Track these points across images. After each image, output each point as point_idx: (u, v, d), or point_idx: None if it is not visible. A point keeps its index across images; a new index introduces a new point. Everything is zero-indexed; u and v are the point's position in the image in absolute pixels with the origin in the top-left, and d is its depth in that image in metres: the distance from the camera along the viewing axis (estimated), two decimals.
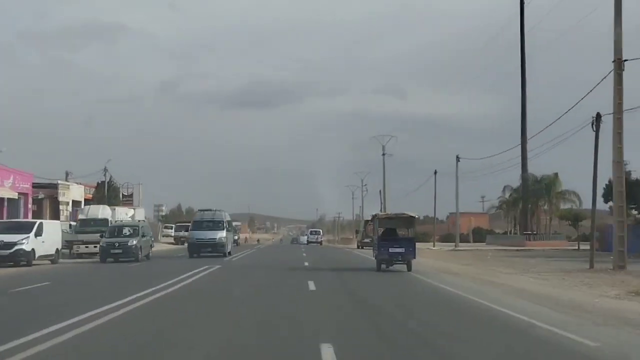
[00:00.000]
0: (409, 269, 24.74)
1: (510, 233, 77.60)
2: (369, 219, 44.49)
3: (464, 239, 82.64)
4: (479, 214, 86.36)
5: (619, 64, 25.00)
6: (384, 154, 79.31)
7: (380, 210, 71.53)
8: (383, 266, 24.99)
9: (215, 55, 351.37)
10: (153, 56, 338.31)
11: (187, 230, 68.83)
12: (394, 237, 25.86)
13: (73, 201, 54.36)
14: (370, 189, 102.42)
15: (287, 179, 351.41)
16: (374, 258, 26.21)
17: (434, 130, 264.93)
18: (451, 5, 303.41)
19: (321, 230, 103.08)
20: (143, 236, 35.33)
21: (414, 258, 25.08)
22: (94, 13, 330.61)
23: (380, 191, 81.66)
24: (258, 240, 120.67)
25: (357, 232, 66.85)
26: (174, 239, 69.76)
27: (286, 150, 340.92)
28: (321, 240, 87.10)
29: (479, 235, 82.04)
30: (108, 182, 59.90)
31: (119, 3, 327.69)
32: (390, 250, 24.63)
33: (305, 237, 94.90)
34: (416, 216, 27.30)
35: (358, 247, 58.28)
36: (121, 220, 42.15)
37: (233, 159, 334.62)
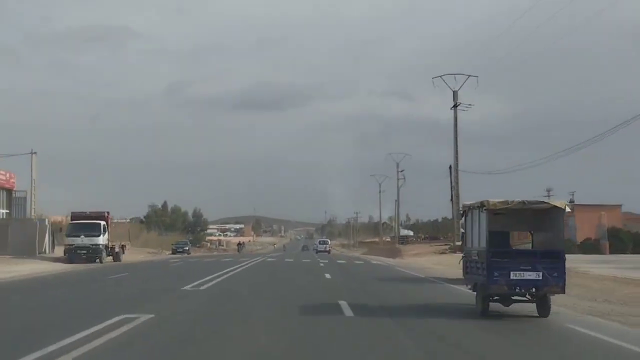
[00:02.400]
0: (545, 312, 13.51)
1: None
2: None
3: (588, 248, 48.67)
4: (606, 207, 51.94)
5: None
6: (455, 105, 45.63)
7: (452, 199, 39.73)
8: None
9: (222, 58, 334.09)
10: (159, 59, 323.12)
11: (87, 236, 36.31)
12: (508, 247, 15.22)
13: None
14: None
15: (295, 181, 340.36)
16: (468, 289, 14.97)
17: (439, 132, 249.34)
18: (460, 6, 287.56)
19: (329, 240, 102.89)
20: None
21: (563, 292, 13.24)
22: (100, 16, 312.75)
23: (450, 167, 47.35)
24: (241, 246, 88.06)
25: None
26: (65, 250, 36.17)
27: (294, 152, 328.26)
28: (329, 250, 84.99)
29: (618, 241, 47.63)
30: None
31: (125, 6, 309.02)
32: (514, 275, 13.10)
33: (317, 244, 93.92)
34: (567, 207, 13.61)
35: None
36: None
37: (240, 161, 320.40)
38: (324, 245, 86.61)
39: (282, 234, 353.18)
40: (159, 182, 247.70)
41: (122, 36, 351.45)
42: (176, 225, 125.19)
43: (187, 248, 64.19)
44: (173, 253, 61.44)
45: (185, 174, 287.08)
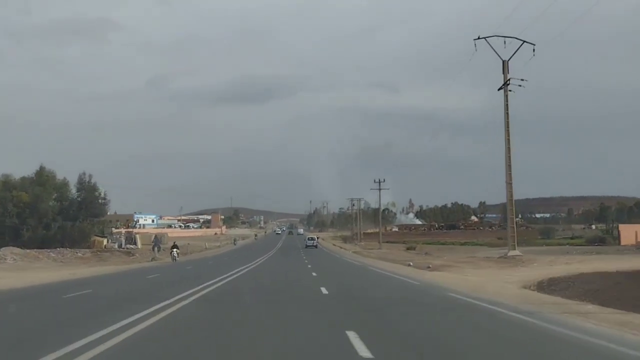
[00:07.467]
0: None
1: None
2: None
3: None
4: None
5: None
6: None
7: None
8: None
9: (206, 50, 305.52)
10: (142, 52, 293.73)
11: None
12: None
13: None
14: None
15: (279, 172, 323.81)
16: None
17: (426, 124, 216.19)
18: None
19: (316, 237, 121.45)
20: None
21: None
22: (81, 8, 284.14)
23: None
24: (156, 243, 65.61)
25: None
26: None
27: (278, 144, 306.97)
28: (316, 244, 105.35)
29: None
30: None
31: None
32: None
33: (306, 240, 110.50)
34: None
35: None
36: None
37: (220, 154, 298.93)
38: (312, 241, 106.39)
39: (262, 225, 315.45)
40: (141, 171, 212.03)
41: (103, 29, 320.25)
42: (40, 207, 72.90)
43: None
44: None
45: (164, 166, 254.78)
